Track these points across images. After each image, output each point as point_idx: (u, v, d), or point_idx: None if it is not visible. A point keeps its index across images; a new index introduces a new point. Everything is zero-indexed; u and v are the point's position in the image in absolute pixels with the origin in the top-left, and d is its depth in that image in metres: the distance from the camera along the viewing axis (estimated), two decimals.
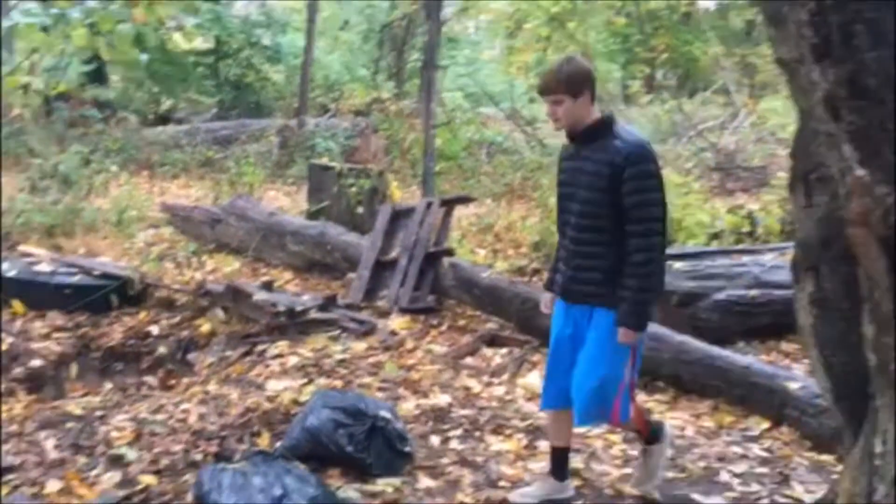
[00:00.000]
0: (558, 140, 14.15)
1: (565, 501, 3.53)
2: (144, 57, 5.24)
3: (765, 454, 4.06)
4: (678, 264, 5.45)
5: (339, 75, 17.15)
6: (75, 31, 4.67)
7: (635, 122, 14.02)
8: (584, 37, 13.56)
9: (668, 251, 5.94)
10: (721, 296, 5.33)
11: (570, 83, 3.10)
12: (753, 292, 5.47)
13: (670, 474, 3.83)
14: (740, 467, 3.91)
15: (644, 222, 3.05)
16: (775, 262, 5.68)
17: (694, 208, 7.31)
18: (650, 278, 3.11)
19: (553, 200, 7.57)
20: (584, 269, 3.19)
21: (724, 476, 3.82)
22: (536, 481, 3.61)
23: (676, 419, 4.44)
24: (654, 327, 4.96)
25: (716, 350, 4.75)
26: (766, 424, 4.35)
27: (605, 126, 3.14)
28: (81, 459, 3.73)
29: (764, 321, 5.48)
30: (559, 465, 3.54)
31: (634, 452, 4.03)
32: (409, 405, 4.42)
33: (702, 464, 3.93)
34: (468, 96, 18.41)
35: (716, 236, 7.00)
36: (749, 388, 4.48)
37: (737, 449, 4.10)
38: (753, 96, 15.41)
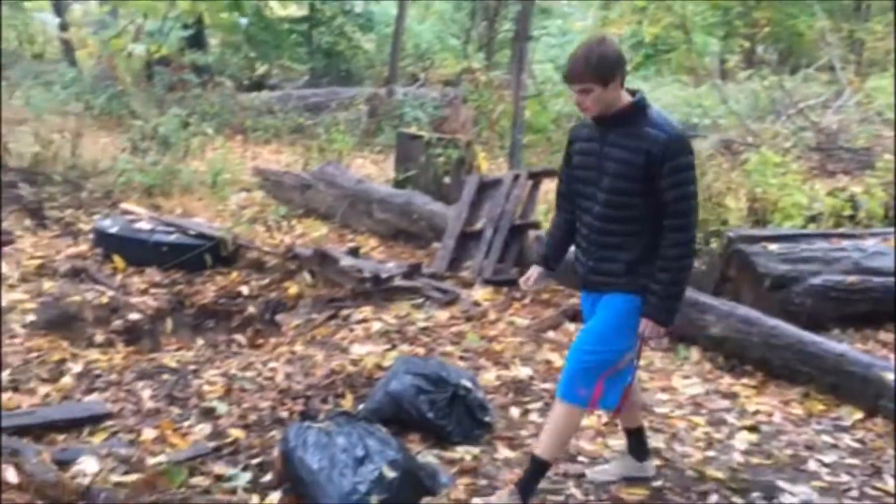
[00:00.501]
0: None
1: (644, 480, 3.49)
2: (243, 22, 5.35)
3: (856, 445, 3.93)
4: (772, 246, 5.28)
5: (429, 45, 17.15)
6: None
7: (732, 99, 13.60)
8: (682, 9, 13.13)
9: (763, 232, 5.78)
10: (817, 280, 5.14)
11: (599, 69, 2.85)
12: (852, 278, 5.26)
13: (755, 460, 3.75)
14: (830, 457, 3.79)
15: (683, 216, 2.90)
16: (877, 248, 5.44)
17: (791, 189, 7.04)
18: (683, 273, 2.97)
19: None
20: (607, 259, 3.03)
21: (811, 465, 3.72)
22: (615, 459, 3.58)
23: (764, 405, 4.33)
24: (743, 310, 4.88)
25: (808, 336, 4.60)
26: (858, 415, 4.20)
27: (637, 111, 2.93)
28: (175, 410, 3.89)
29: (861, 308, 5.27)
30: (636, 445, 3.49)
31: (719, 435, 3.97)
32: (489, 376, 4.44)
33: (789, 451, 3.83)
34: (559, 68, 18.13)
35: (813, 219, 6.73)
36: (842, 376, 4.33)
37: (827, 438, 3.98)
38: (860, 74, 14.70)
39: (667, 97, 16.24)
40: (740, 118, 12.49)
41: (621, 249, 2.99)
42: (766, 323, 4.69)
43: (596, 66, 2.84)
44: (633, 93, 2.98)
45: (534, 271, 3.37)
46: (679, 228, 2.90)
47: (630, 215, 2.96)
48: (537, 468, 3.17)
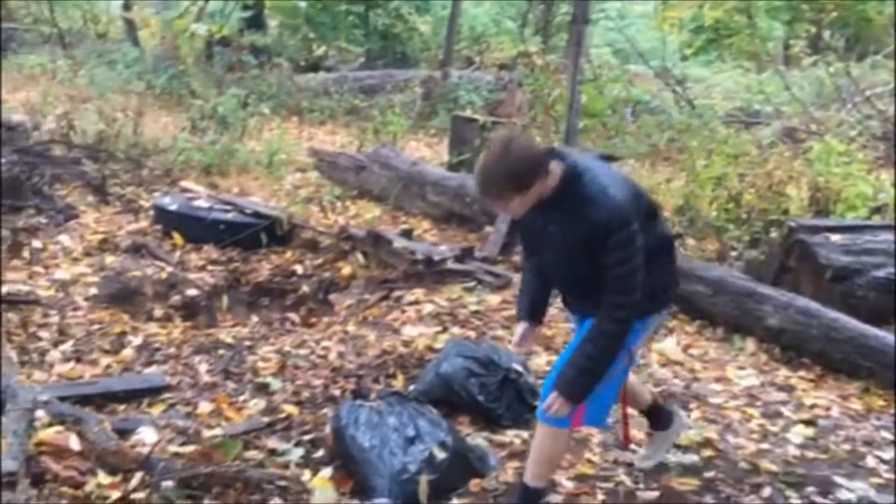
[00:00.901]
0: (709, 101, 13.53)
1: (694, 468, 3.46)
2: (303, 4, 5.38)
3: None
4: (835, 237, 5.14)
5: (485, 28, 17.04)
6: None
7: (796, 85, 13.24)
8: None
9: (826, 222, 5.64)
10: (880, 273, 4.99)
11: (511, 184, 2.57)
12: None
13: (811, 454, 3.68)
14: (889, 453, 3.70)
15: (623, 294, 2.68)
16: None
17: (856, 179, 6.84)
18: (610, 351, 2.74)
19: (700, 164, 7.32)
20: (586, 296, 2.83)
21: (870, 461, 3.63)
22: (648, 443, 3.52)
23: (821, 398, 4.24)
24: (802, 301, 4.77)
25: (870, 329, 4.49)
26: None
27: (571, 185, 2.64)
28: (230, 385, 3.97)
29: None
30: (656, 417, 3.42)
31: (774, 428, 3.90)
32: (540, 360, 4.43)
33: (846, 446, 3.75)
34: (616, 53, 17.90)
35: (878, 210, 6.54)
36: None
37: (886, 434, 3.88)
38: None
39: (728, 83, 15.89)
40: (804, 105, 12.15)
41: (597, 290, 2.74)
42: (826, 315, 4.58)
43: (506, 183, 2.57)
44: (562, 157, 2.68)
45: (521, 328, 3.09)
46: (618, 306, 2.69)
47: (591, 273, 2.72)
48: (529, 497, 2.98)
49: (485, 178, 2.61)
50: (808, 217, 6.34)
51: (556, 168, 2.65)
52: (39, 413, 3.22)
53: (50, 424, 3.19)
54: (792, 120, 12.12)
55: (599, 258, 2.65)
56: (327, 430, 3.47)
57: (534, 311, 3.09)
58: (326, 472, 3.26)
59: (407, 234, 6.26)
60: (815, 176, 6.98)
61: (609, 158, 7.58)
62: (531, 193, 2.60)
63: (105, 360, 4.14)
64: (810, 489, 3.38)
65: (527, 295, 3.09)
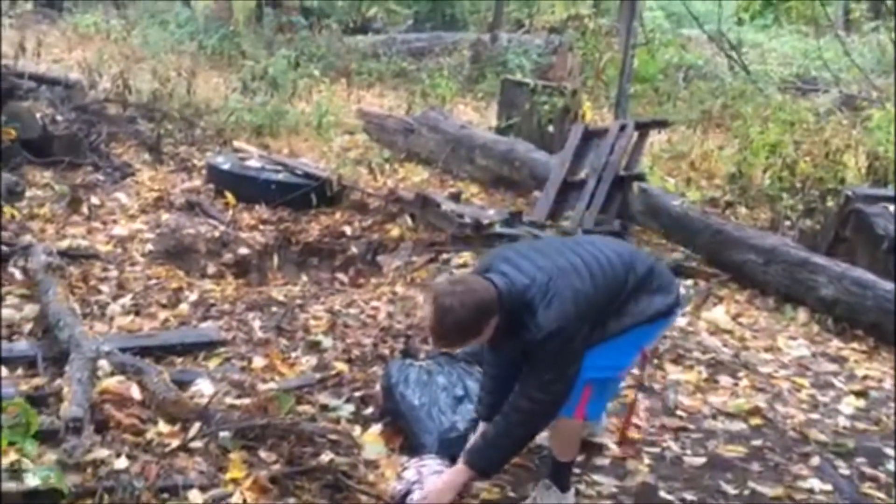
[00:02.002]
0: (765, 67, 13.17)
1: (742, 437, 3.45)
2: None
3: None
4: (893, 207, 5.03)
5: None
6: None
7: (856, 52, 12.83)
8: None
9: (885, 192, 5.51)
10: None
11: (462, 334, 2.59)
12: None
13: (861, 425, 3.65)
14: None
15: (553, 394, 2.63)
16: None
17: None
18: (520, 436, 2.72)
19: (753, 131, 7.18)
20: None
21: None
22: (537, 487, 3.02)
23: (874, 370, 4.20)
24: (857, 272, 4.69)
25: None
26: None
27: (509, 316, 2.59)
28: (283, 341, 4.05)
29: None
30: (556, 474, 2.96)
31: (824, 398, 3.88)
32: None
33: None
34: (669, 16, 17.50)
35: None
36: None
37: None
38: None
39: (784, 48, 15.50)
40: (864, 72, 11.79)
41: None
42: (881, 287, 4.50)
43: (456, 333, 2.58)
44: (500, 286, 2.60)
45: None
46: (540, 402, 2.63)
47: None
48: (559, 468, 2.92)
49: (436, 335, 2.64)
50: (866, 187, 6.20)
51: (494, 303, 2.57)
52: (102, 363, 3.33)
53: (112, 374, 3.31)
54: (851, 87, 11.79)
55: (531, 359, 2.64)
56: (377, 387, 3.54)
57: (496, 411, 2.86)
58: (376, 428, 3.33)
59: (455, 197, 6.27)
60: (873, 145, 6.82)
61: (661, 124, 7.50)
62: (484, 334, 2.60)
63: (162, 315, 4.25)
64: (860, 460, 3.37)
65: (490, 394, 2.96)
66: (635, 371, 3.07)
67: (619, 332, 2.77)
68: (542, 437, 3.04)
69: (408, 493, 2.86)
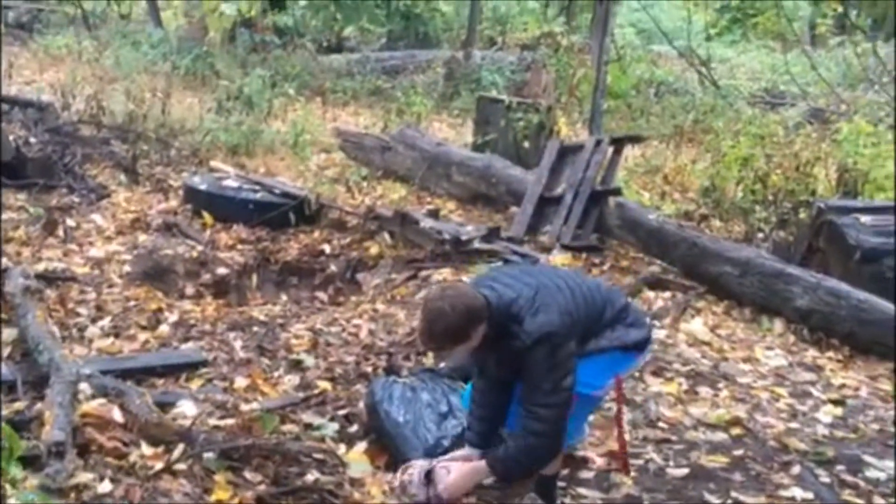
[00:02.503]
0: (734, 81, 13.40)
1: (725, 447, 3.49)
2: None
3: None
4: (865, 218, 5.13)
5: (508, 8, 16.95)
6: None
7: (822, 66, 13.09)
8: None
9: (855, 203, 5.62)
10: None
11: (451, 338, 2.67)
12: None
13: (840, 433, 3.71)
14: None
15: (553, 407, 2.69)
16: None
17: (884, 160, 6.80)
18: (529, 460, 2.77)
19: (725, 144, 7.29)
20: None
21: None
22: None
23: (850, 379, 4.28)
24: (831, 282, 4.78)
25: None
26: None
27: (497, 326, 2.70)
28: (265, 361, 4.05)
29: None
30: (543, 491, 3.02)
31: (803, 407, 3.93)
32: None
33: (876, 426, 3.78)
34: (640, 33, 17.76)
35: None
36: None
37: None
38: None
39: (753, 63, 15.76)
40: (830, 86, 12.04)
41: None
42: (855, 296, 4.58)
43: (444, 337, 2.67)
44: (489, 297, 2.71)
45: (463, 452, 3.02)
46: (542, 419, 2.68)
47: None
48: (544, 481, 2.97)
49: (425, 337, 2.74)
50: (836, 198, 6.32)
51: (483, 311, 2.67)
52: (83, 386, 3.28)
53: (93, 397, 3.26)
54: (818, 101, 12.02)
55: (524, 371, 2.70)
56: (361, 405, 3.53)
57: (487, 439, 2.97)
58: (361, 446, 3.32)
59: (434, 214, 6.30)
60: (843, 157, 6.95)
61: (635, 139, 7.60)
62: (472, 341, 2.68)
63: (142, 336, 4.22)
64: (840, 468, 3.42)
65: (480, 422, 2.98)
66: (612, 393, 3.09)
67: (597, 352, 2.85)
68: None
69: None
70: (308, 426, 3.43)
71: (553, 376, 2.66)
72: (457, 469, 2.85)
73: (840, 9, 14.09)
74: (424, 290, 5.20)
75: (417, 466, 2.94)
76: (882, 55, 12.21)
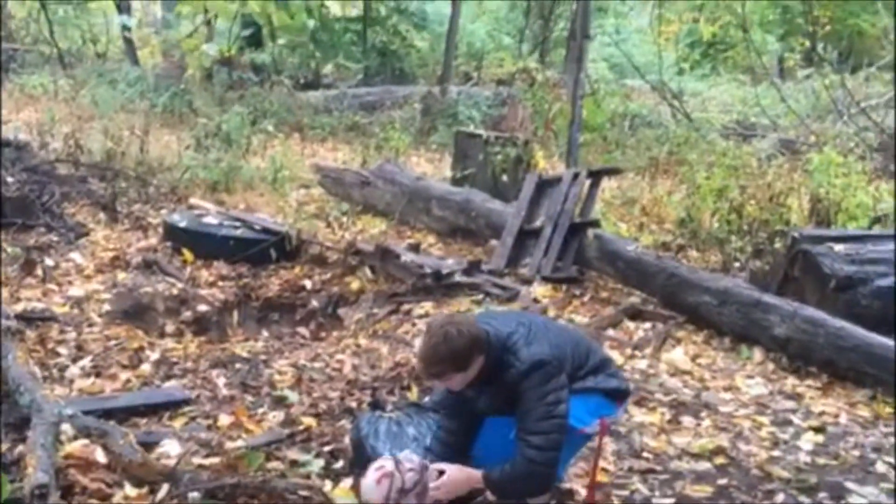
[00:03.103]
0: (706, 114, 13.63)
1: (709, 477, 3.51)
2: (311, 23, 5.47)
3: None
4: (838, 247, 5.22)
5: (483, 44, 17.20)
6: None
7: (792, 98, 13.37)
8: (741, 6, 12.96)
9: (829, 232, 5.72)
10: (884, 282, 5.06)
11: (453, 362, 2.72)
12: None
13: (822, 460, 3.74)
14: None
15: (543, 433, 2.72)
16: None
17: (855, 189, 6.94)
18: (526, 484, 2.78)
19: (700, 176, 7.41)
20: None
21: (880, 467, 3.70)
22: None
23: (829, 406, 4.31)
24: (808, 310, 4.85)
25: (876, 338, 4.55)
26: None
27: (493, 360, 2.78)
28: (249, 397, 4.03)
29: None
30: None
31: (784, 435, 3.97)
32: None
33: (856, 452, 3.81)
34: (613, 67, 18.06)
35: (878, 220, 6.63)
36: None
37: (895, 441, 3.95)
38: None
39: (724, 96, 16.05)
40: (800, 118, 12.30)
41: None
42: (832, 324, 4.65)
43: (447, 361, 2.71)
44: (486, 331, 2.79)
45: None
46: (537, 447, 2.70)
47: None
48: None
49: (427, 361, 2.76)
50: (810, 228, 6.43)
51: (482, 341, 2.75)
52: (65, 427, 3.25)
53: (75, 438, 3.23)
54: (789, 132, 12.26)
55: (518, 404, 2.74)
56: (346, 441, 3.52)
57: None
58: (347, 482, 3.30)
59: (414, 248, 6.33)
60: (815, 187, 7.08)
61: (612, 171, 7.70)
62: (471, 371, 2.75)
63: (124, 375, 4.19)
64: (822, 495, 3.45)
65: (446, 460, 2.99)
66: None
67: (584, 391, 2.92)
68: None
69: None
70: (293, 463, 3.41)
71: (546, 403, 2.71)
72: (451, 473, 2.87)
73: (807, 43, 14.47)
74: (406, 325, 5.23)
75: (410, 462, 2.92)
76: (849, 87, 12.51)
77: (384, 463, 2.90)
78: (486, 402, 2.91)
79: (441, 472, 2.85)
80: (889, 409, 4.27)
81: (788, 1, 15.53)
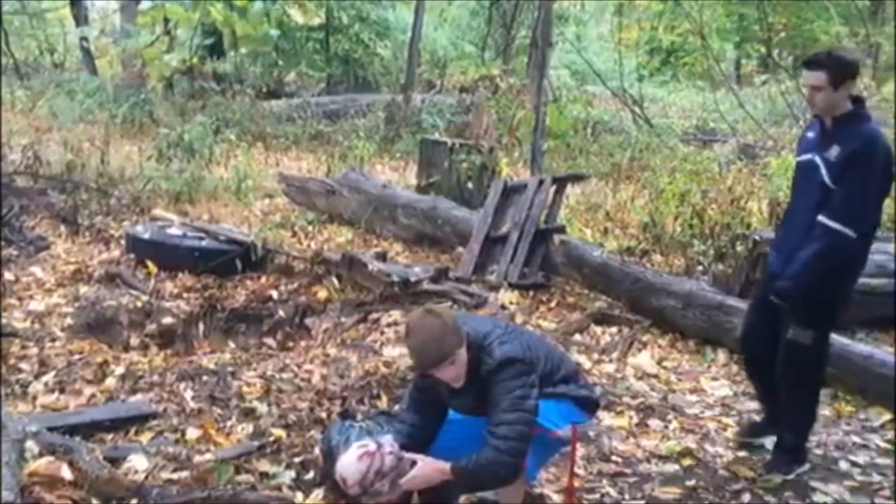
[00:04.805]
0: (667, 120, 13.85)
1: (678, 479, 3.56)
2: (274, 32, 5.45)
3: (886, 445, 3.99)
4: None
5: (445, 51, 17.25)
6: (214, 6, 4.90)
7: (749, 103, 13.63)
8: (699, 14, 13.19)
9: None
10: None
11: (445, 349, 2.74)
12: (876, 281, 5.29)
13: None
14: (860, 457, 3.85)
15: (509, 424, 2.73)
16: None
17: None
18: (488, 476, 2.79)
19: (662, 181, 7.51)
20: None
21: (843, 465, 3.78)
22: None
23: None
24: None
25: (835, 338, 4.60)
26: (887, 416, 4.27)
27: (474, 359, 2.81)
28: (217, 410, 3.98)
29: (886, 311, 5.31)
30: None
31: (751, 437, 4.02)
32: None
33: (819, 451, 3.89)
34: (574, 74, 18.23)
35: None
36: (870, 378, 4.39)
37: (856, 439, 4.04)
38: (877, 78, 14.71)
39: (683, 102, 16.31)
40: (758, 123, 12.53)
41: None
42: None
43: (442, 349, 2.73)
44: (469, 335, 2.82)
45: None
46: (503, 436, 2.71)
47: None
48: None
49: (413, 350, 2.80)
50: (770, 230, 6.54)
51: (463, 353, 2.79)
52: (29, 444, 3.19)
53: (41, 455, 3.17)
54: (747, 137, 12.48)
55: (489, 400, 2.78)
56: (317, 451, 3.51)
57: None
58: (318, 492, 3.30)
59: (381, 256, 6.32)
60: (773, 190, 7.21)
61: (577, 177, 7.77)
62: (456, 365, 2.78)
63: (89, 390, 4.13)
64: (788, 494, 3.51)
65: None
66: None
67: (555, 396, 2.96)
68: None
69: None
70: (264, 475, 3.39)
71: (514, 396, 2.76)
72: (423, 465, 2.88)
73: (763, 49, 14.76)
74: (375, 334, 5.22)
75: (392, 447, 2.91)
76: (804, 91, 12.77)
77: (367, 442, 2.90)
78: (459, 400, 2.93)
79: (414, 463, 2.86)
80: (850, 408, 4.36)
81: (744, 8, 15.82)
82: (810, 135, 3.60)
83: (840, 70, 3.35)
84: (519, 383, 2.77)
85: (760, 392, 3.97)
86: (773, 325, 3.61)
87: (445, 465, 2.84)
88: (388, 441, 2.96)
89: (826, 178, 3.38)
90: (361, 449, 2.88)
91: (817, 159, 3.44)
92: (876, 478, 3.66)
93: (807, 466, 3.68)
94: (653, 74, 19.14)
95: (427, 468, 2.86)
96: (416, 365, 2.95)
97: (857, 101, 3.46)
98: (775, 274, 3.61)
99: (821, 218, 3.36)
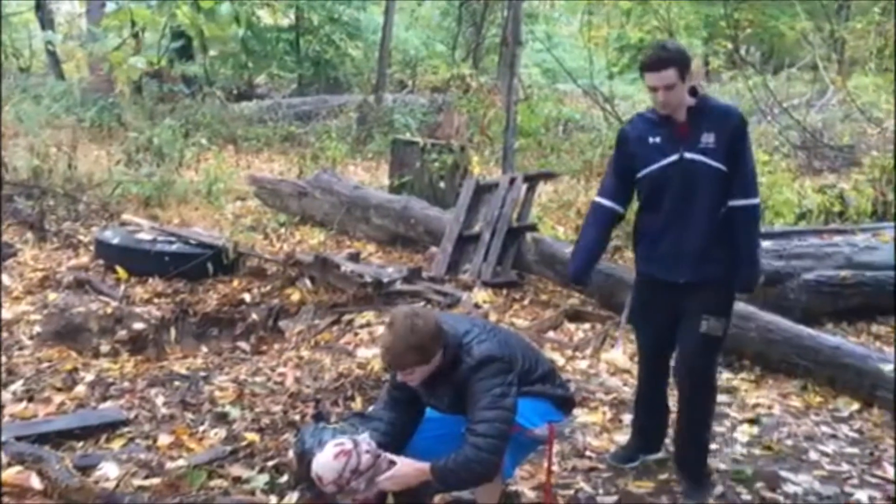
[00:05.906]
0: None
1: (650, 473, 3.58)
2: (240, 33, 5.41)
3: (855, 435, 4.05)
4: (766, 243, 5.38)
5: (416, 51, 17.24)
6: (180, 8, 4.86)
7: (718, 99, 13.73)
8: (666, 12, 13.27)
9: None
10: (810, 276, 5.26)
11: (420, 353, 2.75)
12: (844, 273, 5.38)
13: (757, 451, 3.86)
14: (829, 447, 3.91)
15: (492, 435, 2.73)
16: (868, 243, 5.58)
17: (781, 187, 7.17)
18: (467, 474, 2.77)
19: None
20: None
21: (812, 455, 3.83)
22: None
23: (763, 398, 4.45)
24: (740, 306, 4.96)
25: (804, 330, 4.72)
26: (855, 405, 4.33)
27: (452, 358, 2.82)
28: (189, 415, 3.95)
29: (854, 302, 5.40)
30: None
31: (721, 428, 4.08)
32: None
33: (790, 442, 3.94)
34: (545, 72, 18.29)
35: (803, 216, 6.87)
36: (839, 368, 4.45)
37: (826, 429, 4.10)
38: (842, 73, 14.89)
39: None
40: None
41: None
42: (762, 318, 4.79)
43: (414, 352, 2.73)
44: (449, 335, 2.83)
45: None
46: (482, 434, 2.71)
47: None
48: None
49: (394, 352, 2.77)
50: None
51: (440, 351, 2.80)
52: None
53: (9, 465, 3.15)
54: None
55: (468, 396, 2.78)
56: (290, 454, 3.49)
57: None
58: (293, 496, 3.28)
59: (354, 257, 6.31)
60: None
61: (548, 175, 7.81)
62: (432, 363, 2.80)
63: (58, 398, 4.07)
64: (759, 485, 3.55)
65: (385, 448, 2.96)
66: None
67: (532, 395, 2.98)
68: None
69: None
70: (237, 480, 3.37)
71: (493, 395, 2.77)
72: (402, 465, 2.87)
73: (730, 45, 14.88)
74: (349, 335, 5.20)
75: (369, 445, 2.88)
76: (771, 87, 12.93)
77: (344, 441, 2.88)
78: (437, 398, 2.94)
79: (392, 463, 2.86)
80: (819, 399, 4.42)
81: (711, 4, 15.95)
82: (655, 140, 3.37)
83: (686, 62, 3.23)
84: (498, 381, 2.79)
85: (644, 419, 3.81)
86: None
87: (424, 466, 2.84)
88: (365, 439, 2.95)
89: (720, 166, 3.26)
90: (338, 447, 2.87)
91: (694, 155, 3.29)
92: (845, 467, 3.72)
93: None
94: (623, 72, 19.22)
95: (406, 468, 2.86)
96: (389, 364, 2.94)
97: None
98: (671, 283, 3.50)
99: (736, 202, 3.28)
